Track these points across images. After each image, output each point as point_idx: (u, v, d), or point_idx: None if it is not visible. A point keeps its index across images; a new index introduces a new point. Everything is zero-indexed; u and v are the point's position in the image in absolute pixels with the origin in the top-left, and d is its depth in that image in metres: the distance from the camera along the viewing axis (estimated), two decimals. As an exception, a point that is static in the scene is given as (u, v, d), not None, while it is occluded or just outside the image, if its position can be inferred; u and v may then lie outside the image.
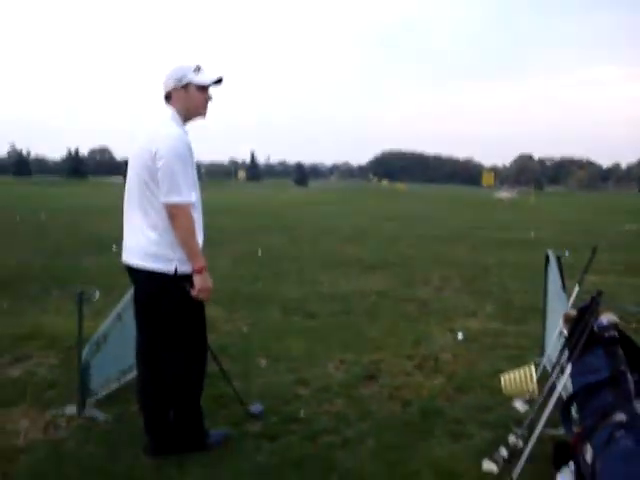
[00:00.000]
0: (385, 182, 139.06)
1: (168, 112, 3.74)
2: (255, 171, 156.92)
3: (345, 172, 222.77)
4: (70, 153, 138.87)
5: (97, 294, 4.76)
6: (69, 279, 9.47)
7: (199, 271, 3.61)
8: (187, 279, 3.61)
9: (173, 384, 3.81)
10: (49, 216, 22.26)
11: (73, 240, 15.13)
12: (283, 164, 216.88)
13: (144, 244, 3.63)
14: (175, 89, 3.74)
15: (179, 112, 3.75)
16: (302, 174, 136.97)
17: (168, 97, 3.76)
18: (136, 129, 3.92)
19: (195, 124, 3.90)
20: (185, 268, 3.61)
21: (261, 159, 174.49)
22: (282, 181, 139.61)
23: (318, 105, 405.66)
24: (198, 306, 3.77)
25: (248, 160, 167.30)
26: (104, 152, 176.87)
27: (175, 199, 3.53)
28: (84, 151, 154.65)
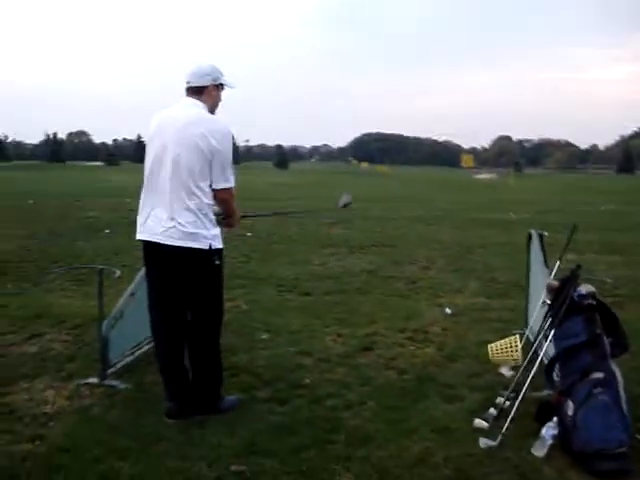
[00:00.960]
0: (365, 164, 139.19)
1: (199, 104, 4.07)
2: (235, 154, 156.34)
3: (325, 154, 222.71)
4: (49, 137, 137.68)
5: (118, 272, 5.08)
6: (68, 261, 9.77)
7: (237, 220, 4.42)
8: (218, 253, 4.05)
9: (206, 349, 4.22)
10: (37, 201, 22.36)
11: (65, 224, 15.34)
12: (262, 147, 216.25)
13: (182, 224, 3.92)
14: (212, 86, 4.13)
15: (206, 106, 4.11)
16: (282, 157, 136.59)
17: (199, 91, 4.10)
18: (158, 112, 4.21)
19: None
20: (217, 244, 4.04)
21: (240, 142, 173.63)
22: (262, 164, 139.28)
23: (296, 88, 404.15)
24: (222, 278, 4.21)
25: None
26: (82, 135, 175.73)
27: (229, 185, 4.05)
28: (62, 135, 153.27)
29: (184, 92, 4.19)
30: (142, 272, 5.12)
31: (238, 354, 5.40)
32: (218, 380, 4.32)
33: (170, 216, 3.96)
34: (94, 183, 39.99)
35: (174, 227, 3.94)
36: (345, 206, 6.62)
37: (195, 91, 4.12)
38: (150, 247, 4.10)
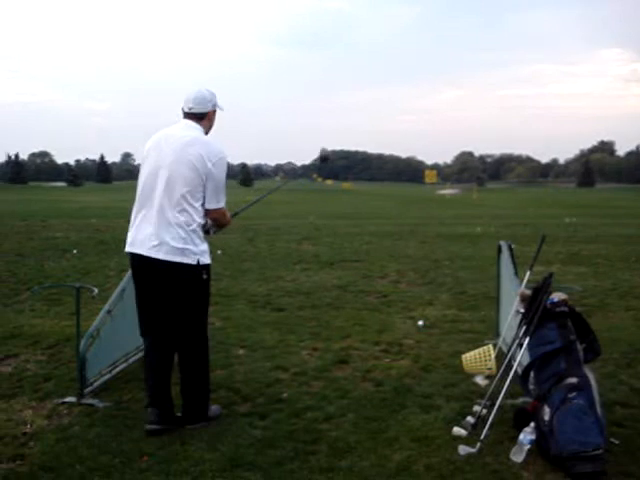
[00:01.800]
0: (330, 181, 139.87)
1: (198, 127, 4.27)
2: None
3: (289, 172, 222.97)
4: (10, 158, 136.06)
5: (96, 290, 5.08)
6: (38, 281, 9.67)
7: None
8: (205, 268, 4.18)
9: (195, 360, 4.31)
10: (1, 222, 22.08)
11: (33, 244, 15.15)
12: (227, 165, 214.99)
13: (171, 240, 4.04)
14: (212, 111, 4.37)
15: (204, 130, 4.32)
16: (247, 174, 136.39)
17: (202, 117, 4.30)
18: (154, 132, 4.36)
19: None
20: (205, 260, 4.18)
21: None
22: (227, 182, 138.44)
23: (260, 106, 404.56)
24: (209, 292, 4.35)
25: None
26: (44, 156, 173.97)
27: (220, 206, 4.26)
28: (24, 156, 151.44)
29: (182, 114, 4.34)
30: (118, 290, 5.15)
31: (215, 370, 5.39)
32: (207, 390, 4.40)
33: (161, 231, 4.06)
34: (58, 204, 39.59)
35: (164, 242, 4.05)
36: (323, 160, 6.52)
37: (197, 116, 4.29)
38: (139, 260, 4.18)
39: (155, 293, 4.21)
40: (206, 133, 4.34)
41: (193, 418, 4.27)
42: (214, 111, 4.39)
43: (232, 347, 6.20)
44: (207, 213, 4.21)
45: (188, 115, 4.29)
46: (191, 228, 4.09)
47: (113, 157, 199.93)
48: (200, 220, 4.16)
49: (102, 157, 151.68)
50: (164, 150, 4.15)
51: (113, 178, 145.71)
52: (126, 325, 5.26)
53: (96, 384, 4.94)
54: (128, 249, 4.24)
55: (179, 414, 4.29)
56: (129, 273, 5.28)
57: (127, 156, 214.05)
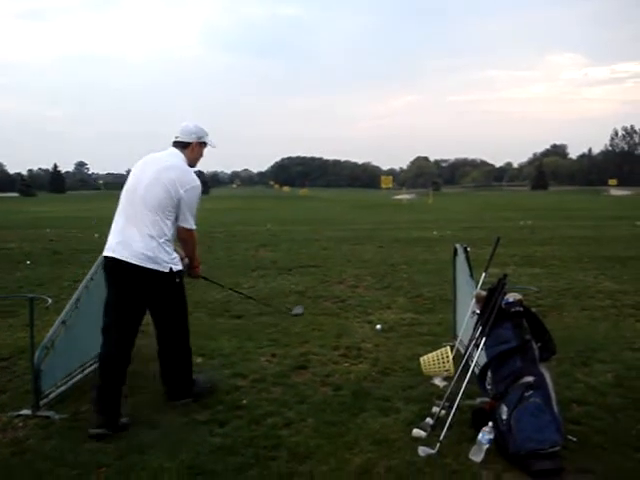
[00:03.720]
0: (287, 188, 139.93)
1: (180, 155, 4.79)
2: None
3: (246, 179, 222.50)
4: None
5: (50, 300, 5.01)
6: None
7: (197, 266, 5.28)
8: (179, 274, 4.69)
9: (178, 348, 4.88)
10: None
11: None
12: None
13: (144, 249, 4.46)
14: (195, 143, 4.87)
15: (186, 159, 4.81)
16: (203, 182, 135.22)
17: (185, 146, 4.83)
18: (144, 155, 4.88)
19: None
20: (178, 267, 4.68)
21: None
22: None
23: (216, 113, 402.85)
24: (183, 294, 4.87)
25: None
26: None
27: (190, 226, 4.71)
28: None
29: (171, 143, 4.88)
30: (73, 300, 5.09)
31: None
32: (189, 372, 4.92)
33: (135, 240, 4.48)
34: (11, 214, 38.87)
35: (138, 250, 4.46)
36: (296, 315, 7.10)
37: (181, 145, 4.83)
38: (115, 264, 4.52)
39: (126, 294, 4.57)
40: (190, 164, 4.83)
41: (179, 395, 4.82)
42: (199, 144, 4.90)
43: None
44: (178, 232, 4.69)
45: (175, 143, 4.84)
46: (162, 240, 4.51)
47: (67, 166, 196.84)
48: (170, 234, 4.60)
49: (55, 166, 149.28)
50: (146, 171, 4.64)
51: (67, 188, 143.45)
52: (82, 335, 5.21)
53: (52, 396, 4.87)
54: (106, 253, 4.59)
55: (123, 420, 4.46)
56: (84, 283, 5.26)
57: (81, 165, 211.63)
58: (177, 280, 4.68)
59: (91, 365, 5.48)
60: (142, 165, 4.74)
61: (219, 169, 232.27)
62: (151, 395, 4.99)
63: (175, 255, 4.66)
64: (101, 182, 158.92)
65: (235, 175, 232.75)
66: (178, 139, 4.82)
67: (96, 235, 19.69)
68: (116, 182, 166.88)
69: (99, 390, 4.43)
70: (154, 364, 5.03)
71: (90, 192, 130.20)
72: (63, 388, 5.05)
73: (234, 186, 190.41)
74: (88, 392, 4.99)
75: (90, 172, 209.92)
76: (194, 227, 4.77)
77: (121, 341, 4.57)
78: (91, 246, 15.47)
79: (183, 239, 4.80)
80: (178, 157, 4.74)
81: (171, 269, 4.56)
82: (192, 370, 4.96)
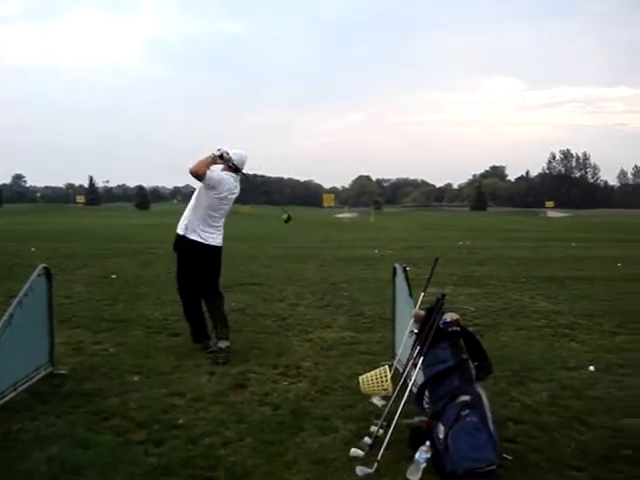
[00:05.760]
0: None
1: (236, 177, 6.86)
2: (95, 195, 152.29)
3: (187, 196, 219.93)
4: None
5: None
6: None
7: None
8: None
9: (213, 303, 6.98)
10: None
11: None
12: (122, 187, 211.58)
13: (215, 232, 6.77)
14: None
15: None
16: (143, 197, 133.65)
17: (238, 169, 6.81)
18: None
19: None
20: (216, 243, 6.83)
21: (99, 183, 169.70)
22: (123, 205, 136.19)
23: (158, 128, 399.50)
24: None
25: (86, 184, 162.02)
26: None
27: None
28: None
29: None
30: (5, 317, 4.96)
31: (109, 398, 5.27)
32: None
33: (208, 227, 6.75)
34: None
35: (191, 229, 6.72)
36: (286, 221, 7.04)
37: (237, 169, 6.86)
38: (179, 240, 6.86)
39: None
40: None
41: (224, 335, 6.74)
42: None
43: (126, 373, 6.04)
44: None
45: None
46: (219, 227, 6.87)
47: (3, 179, 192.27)
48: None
49: (20, 177, 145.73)
50: (228, 189, 6.75)
51: (4, 200, 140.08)
52: (15, 352, 5.08)
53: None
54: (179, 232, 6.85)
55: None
56: (17, 299, 5.13)
57: (18, 178, 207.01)
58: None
59: (23, 384, 5.35)
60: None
61: (160, 184, 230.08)
62: (85, 414, 4.88)
63: (216, 235, 6.80)
64: (39, 195, 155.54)
65: (177, 191, 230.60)
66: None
67: (32, 249, 19.30)
68: (54, 195, 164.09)
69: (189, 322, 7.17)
70: (89, 383, 4.92)
71: (28, 205, 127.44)
72: (7, 399, 4.92)
73: (175, 202, 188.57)
74: (20, 411, 4.89)
75: (28, 185, 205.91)
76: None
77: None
78: (27, 260, 15.15)
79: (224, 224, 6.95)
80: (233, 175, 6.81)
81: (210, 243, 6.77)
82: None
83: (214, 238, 6.76)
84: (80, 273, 13.74)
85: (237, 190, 6.82)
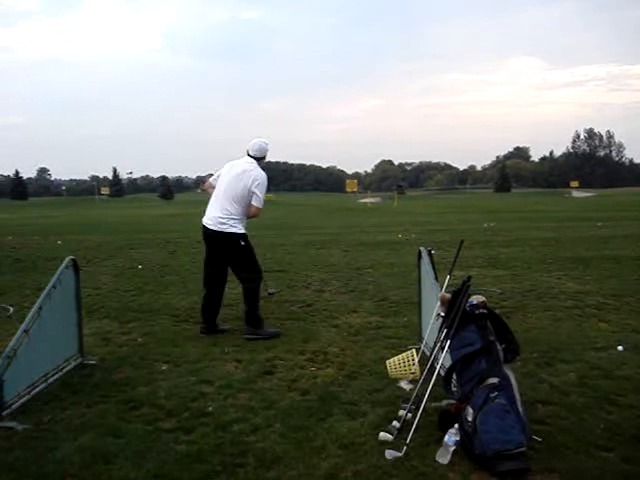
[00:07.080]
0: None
1: (254, 162, 7.11)
2: (119, 187, 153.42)
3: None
4: None
5: (11, 309, 4.93)
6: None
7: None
8: (242, 236, 7.01)
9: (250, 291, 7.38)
10: None
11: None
12: (146, 179, 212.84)
13: (222, 219, 6.94)
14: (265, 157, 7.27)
15: (259, 165, 7.13)
16: (167, 188, 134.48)
17: (259, 158, 7.18)
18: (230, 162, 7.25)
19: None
20: (243, 231, 7.04)
21: (123, 174, 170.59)
22: (147, 196, 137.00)
23: (181, 118, 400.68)
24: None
25: (110, 176, 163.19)
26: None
27: (260, 205, 7.06)
28: None
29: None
30: (35, 308, 5.02)
31: (138, 387, 5.32)
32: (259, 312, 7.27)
33: (217, 213, 6.98)
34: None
35: (219, 220, 6.94)
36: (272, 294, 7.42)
37: (256, 156, 7.17)
38: (207, 231, 7.08)
39: (216, 253, 7.19)
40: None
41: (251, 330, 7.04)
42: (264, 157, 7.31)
43: (155, 363, 6.09)
44: (249, 208, 7.03)
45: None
46: (239, 214, 6.98)
47: (29, 173, 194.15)
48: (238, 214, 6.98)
49: (17, 173, 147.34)
50: (233, 171, 7.07)
51: (29, 194, 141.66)
52: (45, 344, 5.14)
53: (14, 406, 4.78)
54: (203, 222, 7.12)
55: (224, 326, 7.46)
56: (46, 290, 5.18)
57: (43, 171, 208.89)
58: (242, 243, 7.00)
59: (54, 375, 5.42)
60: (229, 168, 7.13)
61: (183, 174, 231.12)
62: (115, 404, 4.93)
63: (241, 226, 6.99)
64: (64, 188, 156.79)
65: (200, 180, 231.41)
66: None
67: (59, 242, 19.50)
68: (78, 188, 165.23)
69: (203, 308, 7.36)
70: (118, 372, 4.96)
71: (53, 198, 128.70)
72: (26, 398, 4.97)
73: (199, 191, 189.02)
74: (51, 401, 4.95)
75: (52, 178, 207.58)
76: (262, 206, 7.08)
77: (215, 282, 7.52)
78: (53, 253, 15.32)
79: (254, 210, 7.06)
80: (252, 162, 7.09)
81: (237, 233, 6.96)
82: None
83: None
84: (106, 264, 13.90)
85: (250, 174, 6.98)
